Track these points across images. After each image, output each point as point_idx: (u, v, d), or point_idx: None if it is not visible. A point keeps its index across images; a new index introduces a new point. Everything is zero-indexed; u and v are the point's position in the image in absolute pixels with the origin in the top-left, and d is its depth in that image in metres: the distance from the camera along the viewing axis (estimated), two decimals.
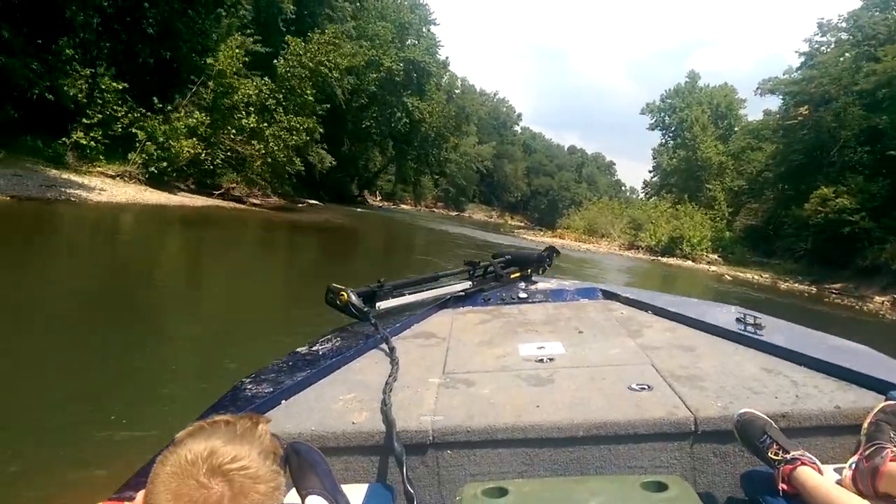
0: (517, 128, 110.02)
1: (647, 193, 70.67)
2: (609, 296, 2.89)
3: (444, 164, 79.92)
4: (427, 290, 2.88)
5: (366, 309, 2.44)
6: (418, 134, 44.29)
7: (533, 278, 3.32)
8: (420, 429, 1.53)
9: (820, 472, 1.32)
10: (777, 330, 2.13)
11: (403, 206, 74.34)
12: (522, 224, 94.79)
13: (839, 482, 1.33)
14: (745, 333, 2.05)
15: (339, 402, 1.69)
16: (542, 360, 1.96)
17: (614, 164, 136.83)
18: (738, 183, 44.64)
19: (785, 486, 1.31)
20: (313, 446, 1.32)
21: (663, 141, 55.32)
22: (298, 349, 2.18)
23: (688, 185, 46.25)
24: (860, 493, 1.26)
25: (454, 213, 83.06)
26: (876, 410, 1.43)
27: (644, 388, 1.65)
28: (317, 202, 37.54)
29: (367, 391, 1.75)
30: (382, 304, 2.57)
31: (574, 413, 1.53)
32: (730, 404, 1.53)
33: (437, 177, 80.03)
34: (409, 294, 2.76)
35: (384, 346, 2.13)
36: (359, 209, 39.21)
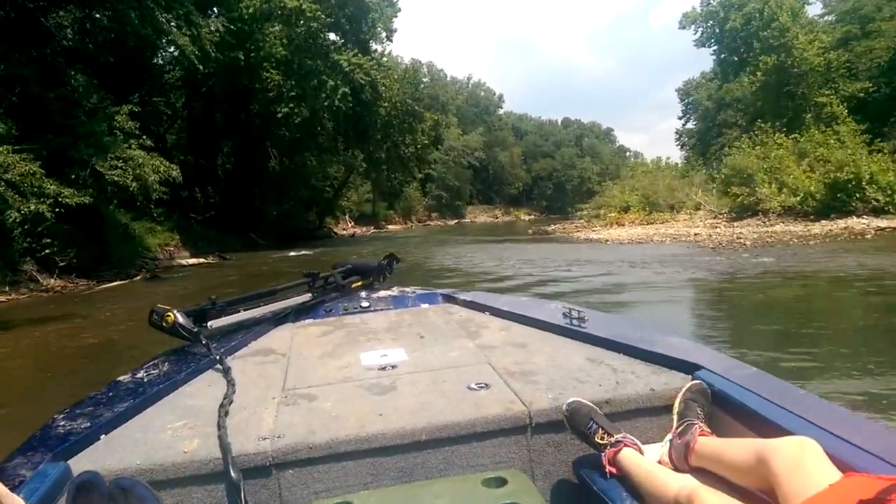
0: (501, 111, 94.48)
1: (684, 144, 55.15)
2: (448, 299, 2.87)
3: (428, 165, 64.85)
4: (264, 305, 2.61)
5: (196, 329, 2.17)
6: (375, 118, 29.08)
7: (375, 286, 3.17)
8: (259, 451, 1.42)
9: (641, 451, 1.41)
10: (599, 322, 2.16)
11: (391, 226, 59.33)
12: (533, 216, 79.60)
13: (659, 461, 1.42)
14: (571, 327, 2.11)
15: (168, 431, 1.53)
16: (384, 368, 1.91)
17: (612, 130, 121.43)
18: (861, 86, 28.98)
19: (612, 469, 1.38)
20: (140, 481, 1.28)
21: (716, 56, 39.45)
22: (120, 378, 1.96)
23: (778, 108, 30.49)
24: (676, 469, 1.37)
25: (453, 222, 67.67)
26: (684, 390, 1.52)
27: (482, 387, 1.65)
28: (227, 256, 22.19)
29: (200, 417, 1.59)
30: (215, 323, 2.30)
31: (417, 418, 1.50)
32: (559, 395, 1.56)
33: (422, 181, 64.95)
34: (245, 311, 2.50)
35: (218, 367, 1.96)
36: (304, 251, 23.90)
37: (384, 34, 30.42)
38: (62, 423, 1.56)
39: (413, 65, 32.11)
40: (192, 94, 28.27)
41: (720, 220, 26.83)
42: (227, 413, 1.58)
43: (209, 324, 2.29)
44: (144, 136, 15.39)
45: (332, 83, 24.70)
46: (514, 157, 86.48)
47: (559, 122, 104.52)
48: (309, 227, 37.48)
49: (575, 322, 2.16)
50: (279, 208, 35.67)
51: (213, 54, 19.05)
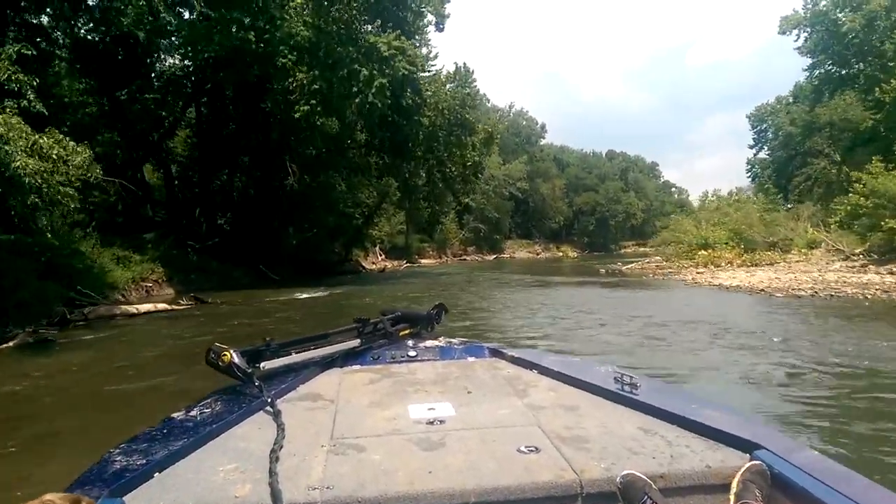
0: (543, 142, 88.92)
1: (756, 176, 48.35)
2: (495, 353, 2.79)
3: (469, 193, 59.33)
4: (315, 348, 2.61)
5: (250, 370, 2.17)
6: (417, 128, 23.37)
7: (422, 335, 3.12)
8: (308, 501, 1.41)
9: None
10: (652, 390, 2.06)
11: (424, 260, 53.80)
12: (577, 253, 73.24)
13: None
14: (623, 393, 2.00)
15: (220, 474, 1.53)
16: (432, 422, 1.86)
17: (657, 165, 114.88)
18: None
19: None
20: None
21: (819, 69, 33.24)
22: (174, 415, 1.98)
23: None
24: None
25: (491, 257, 61.72)
26: (743, 470, 1.48)
27: (532, 451, 1.61)
28: (210, 299, 16.41)
29: (251, 460, 1.60)
30: (268, 365, 2.32)
31: (466, 478, 1.48)
32: (612, 465, 1.53)
33: (459, 213, 59.42)
34: (297, 353, 2.50)
35: (268, 409, 1.96)
36: (320, 291, 18.37)
37: (434, 21, 24.49)
38: (118, 459, 1.58)
39: (464, 67, 27.41)
40: (196, 92, 23.03)
41: (855, 262, 20.33)
42: (277, 459, 1.57)
43: (262, 365, 2.28)
44: (32, 99, 9.65)
45: (365, 72, 19.06)
46: (556, 190, 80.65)
47: (603, 155, 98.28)
48: (333, 259, 31.88)
49: (627, 388, 2.02)
50: (300, 236, 30.29)
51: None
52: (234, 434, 1.81)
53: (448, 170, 28.43)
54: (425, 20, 24.36)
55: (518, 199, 69.23)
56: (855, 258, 21.01)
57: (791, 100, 45.77)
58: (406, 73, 20.07)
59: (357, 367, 2.66)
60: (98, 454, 1.69)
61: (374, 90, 19.01)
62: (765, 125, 47.06)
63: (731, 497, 1.42)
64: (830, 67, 32.88)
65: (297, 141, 24.43)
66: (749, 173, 49.05)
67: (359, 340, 2.81)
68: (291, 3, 18.80)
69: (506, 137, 75.60)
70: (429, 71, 25.46)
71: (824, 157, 38.33)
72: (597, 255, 69.78)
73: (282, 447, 1.65)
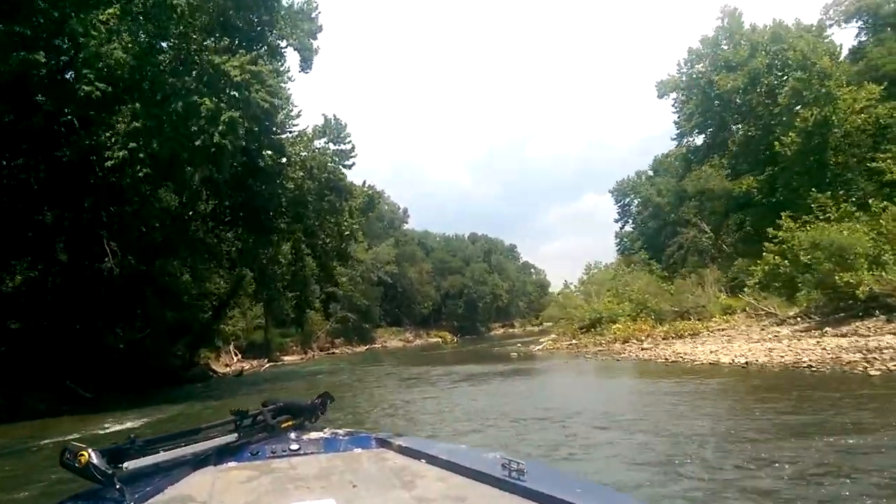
0: (406, 226, 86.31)
1: (623, 248, 48.30)
2: (382, 443, 2.67)
3: (342, 273, 53.91)
4: (186, 444, 2.37)
5: (110, 471, 1.91)
6: (283, 194, 18.25)
7: (306, 426, 2.95)
8: None
9: None
10: (539, 475, 2.00)
11: (287, 357, 47.16)
12: (453, 337, 69.64)
13: None
14: (510, 479, 1.95)
15: None
16: None
17: (516, 247, 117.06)
18: None
19: None
20: None
21: (687, 138, 33.21)
22: None
23: (814, 177, 23.57)
24: None
25: (362, 349, 55.95)
26: None
27: None
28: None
29: None
30: (131, 465, 2.07)
31: None
32: None
33: (324, 302, 53.76)
34: (165, 451, 2.24)
35: None
36: (146, 416, 12.18)
37: (298, 54, 19.76)
38: None
39: (334, 119, 22.49)
40: None
41: (794, 325, 18.18)
42: None
43: (125, 465, 2.05)
44: None
45: (209, 104, 13.85)
46: (423, 274, 77.50)
47: (466, 237, 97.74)
48: (175, 364, 24.96)
49: (514, 474, 1.97)
50: (130, 337, 23.38)
51: None
52: None
53: (321, 242, 23.42)
54: (283, 56, 19.72)
55: (386, 285, 64.77)
56: (792, 321, 18.78)
57: (651, 173, 46.75)
58: (264, 105, 15.06)
59: (233, 464, 2.46)
60: None
61: (221, 127, 13.85)
62: (628, 199, 47.55)
63: None
64: (698, 135, 33.06)
65: (119, 213, 18.34)
66: (618, 246, 49.04)
67: (235, 435, 2.58)
68: (100, 15, 13.31)
69: (370, 221, 72.28)
70: (290, 130, 20.86)
71: (692, 226, 38.21)
72: (471, 339, 66.55)
73: None
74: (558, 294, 43.48)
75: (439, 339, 62.83)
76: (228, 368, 29.99)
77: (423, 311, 79.20)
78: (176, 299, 25.92)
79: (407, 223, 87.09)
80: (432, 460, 2.34)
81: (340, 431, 2.86)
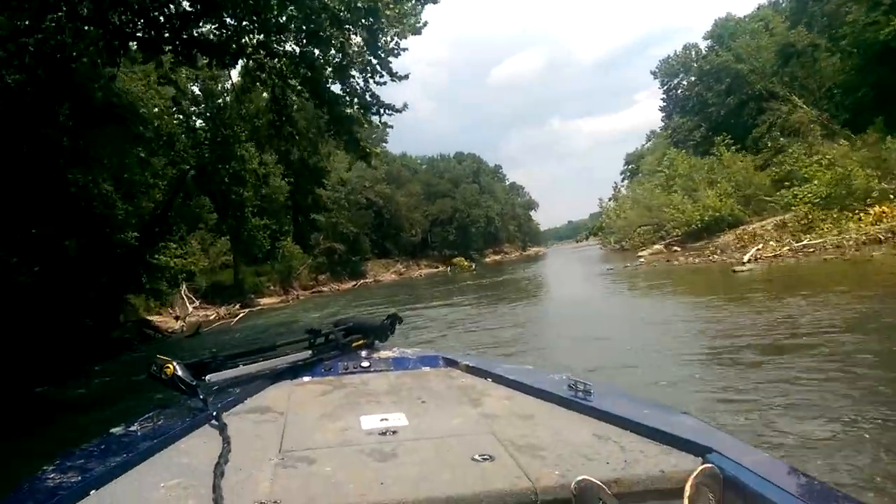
0: (386, 146, 75.56)
1: (678, 141, 38.61)
2: (450, 363, 2.68)
3: (316, 206, 43.94)
4: (263, 360, 2.47)
5: (194, 383, 2.04)
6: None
7: (376, 346, 2.94)
8: None
9: None
10: (605, 396, 2.02)
11: (264, 300, 38.08)
12: (467, 264, 60.72)
13: None
14: (577, 400, 1.95)
15: (161, 490, 1.44)
16: (385, 433, 1.79)
17: (501, 167, 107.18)
18: None
19: None
20: None
21: None
22: (113, 430, 1.87)
23: None
24: None
25: (351, 284, 46.82)
26: (695, 474, 1.46)
27: (486, 459, 1.56)
28: None
29: (194, 476, 1.50)
30: (214, 377, 2.21)
31: (419, 489, 1.41)
32: (567, 472, 1.49)
33: (306, 229, 44.08)
34: (244, 365, 2.37)
35: (214, 423, 1.85)
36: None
37: None
38: (51, 476, 1.52)
39: None
40: None
41: None
42: (222, 473, 1.49)
43: (208, 377, 2.20)
44: None
45: None
46: (412, 197, 67.63)
47: (452, 157, 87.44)
48: (87, 328, 15.22)
49: (581, 394, 1.98)
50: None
51: None
52: (176, 449, 1.71)
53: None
54: None
55: (376, 211, 54.93)
56: None
57: (704, 49, 36.96)
58: None
59: (307, 379, 2.54)
60: None
61: None
62: (678, 79, 37.80)
63: (685, 500, 1.41)
64: None
65: None
66: (671, 138, 39.47)
67: (309, 352, 2.67)
68: None
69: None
70: None
71: (785, 100, 28.76)
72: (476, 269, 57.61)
73: (227, 461, 1.56)
74: (609, 201, 34.47)
75: (445, 269, 52.94)
76: (180, 323, 20.18)
77: (412, 240, 69.91)
78: (92, 219, 15.97)
79: (386, 142, 76.46)
80: (499, 380, 2.36)
81: (409, 351, 2.91)
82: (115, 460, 1.56)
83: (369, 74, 11.94)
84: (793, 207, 19.00)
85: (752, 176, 22.84)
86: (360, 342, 2.95)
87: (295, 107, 16.44)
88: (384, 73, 11.88)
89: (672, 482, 1.46)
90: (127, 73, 15.60)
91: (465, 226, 78.40)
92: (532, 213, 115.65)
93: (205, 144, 34.18)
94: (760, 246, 17.04)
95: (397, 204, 62.48)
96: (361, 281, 48.70)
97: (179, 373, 2.02)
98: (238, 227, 37.65)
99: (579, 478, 1.41)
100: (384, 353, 2.81)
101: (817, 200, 18.39)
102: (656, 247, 24.43)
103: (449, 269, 48.92)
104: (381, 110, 12.67)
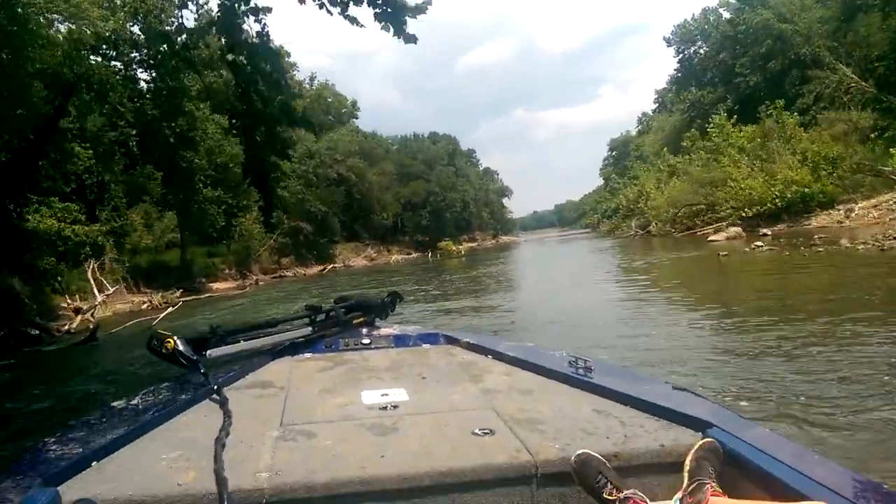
0: (356, 122, 69.68)
1: (699, 114, 33.91)
2: (450, 340, 2.74)
3: (278, 181, 37.83)
4: (265, 336, 2.55)
5: (195, 357, 2.08)
6: None
7: (376, 323, 3.01)
8: (255, 487, 1.32)
9: None
10: (606, 372, 2.04)
11: (218, 285, 32.69)
12: (455, 248, 55.58)
13: None
14: (577, 376, 1.98)
15: (163, 462, 1.44)
16: (385, 408, 1.81)
17: (474, 151, 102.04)
18: None
19: None
20: None
21: None
22: (114, 403, 1.91)
23: None
24: None
25: (319, 269, 41.38)
26: (696, 448, 1.45)
27: (487, 433, 1.57)
28: None
29: (195, 448, 1.50)
30: (214, 352, 2.26)
31: (419, 462, 1.42)
32: (567, 446, 1.49)
33: (263, 208, 38.11)
34: (245, 341, 2.45)
35: (215, 397, 1.87)
36: None
37: None
38: (53, 447, 1.50)
39: None
40: None
41: None
42: (223, 446, 1.49)
43: (208, 352, 2.20)
44: None
45: None
46: (385, 176, 62.05)
47: (425, 137, 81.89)
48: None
49: (581, 371, 2.00)
50: None
51: None
52: (178, 422, 1.71)
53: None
54: None
55: (348, 189, 49.15)
56: None
57: (725, 14, 32.39)
58: None
59: (308, 355, 2.57)
60: None
61: None
62: (694, 47, 33.19)
63: (685, 475, 1.41)
64: None
65: None
66: (687, 112, 34.87)
67: (310, 329, 2.69)
68: None
69: (312, 114, 55.14)
70: None
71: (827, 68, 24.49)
72: (444, 255, 52.27)
73: (228, 434, 1.55)
74: (641, 185, 29.99)
75: (422, 254, 47.39)
76: (79, 317, 14.35)
77: (384, 223, 64.41)
78: None
79: (357, 118, 70.53)
80: (499, 356, 2.34)
81: (410, 328, 2.93)
82: (116, 433, 1.54)
83: None
84: None
85: (837, 147, 18.35)
86: (361, 319, 2.92)
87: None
88: None
89: (672, 456, 1.45)
90: None
91: (440, 210, 73.26)
92: (505, 200, 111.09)
93: (147, 99, 28.30)
94: None
95: (369, 183, 56.80)
96: (330, 266, 43.17)
97: (180, 347, 2.01)
98: (186, 199, 31.78)
99: (579, 451, 1.40)
100: (385, 331, 2.80)
101: None
102: (732, 230, 19.79)
103: (430, 254, 43.56)
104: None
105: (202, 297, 25.79)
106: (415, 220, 73.09)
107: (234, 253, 36.32)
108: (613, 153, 72.30)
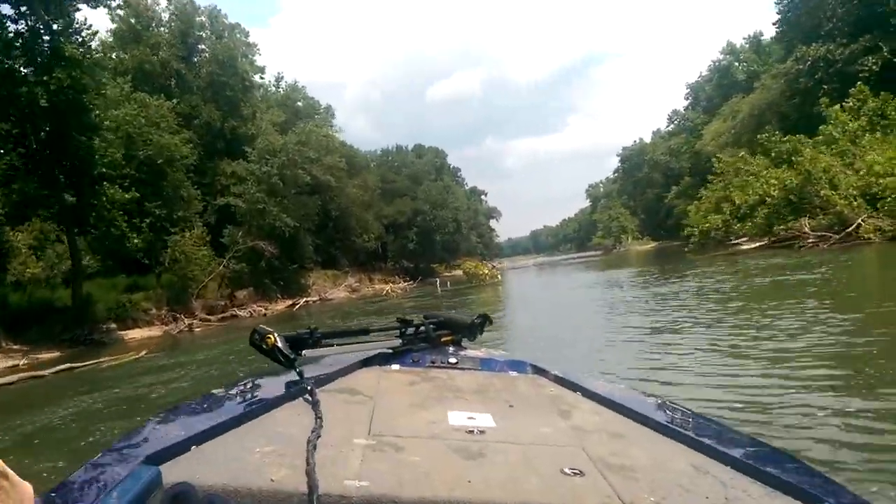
0: (334, 131, 59.03)
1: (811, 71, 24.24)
2: (538, 371, 2.44)
3: (221, 180, 27.87)
4: (356, 342, 2.41)
5: (292, 356, 1.93)
6: None
7: (463, 344, 2.73)
8: (344, 493, 1.30)
9: None
10: (705, 427, 1.84)
11: (133, 334, 20.96)
12: (406, 284, 44.98)
13: None
14: (673, 426, 1.75)
15: (257, 454, 1.42)
16: (472, 431, 1.68)
17: (460, 170, 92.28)
18: None
19: None
20: (230, 502, 1.24)
21: None
22: (214, 391, 1.91)
23: None
24: None
25: (287, 304, 30.51)
26: None
27: (577, 474, 1.46)
28: None
29: (288, 445, 1.48)
30: (309, 353, 2.11)
31: (507, 493, 1.34)
32: (662, 500, 1.37)
33: (211, 217, 27.60)
34: (338, 345, 2.29)
35: (308, 397, 1.78)
36: None
37: None
38: (157, 428, 1.53)
39: None
40: None
41: None
42: (314, 447, 1.46)
43: (304, 352, 2.10)
44: None
45: None
46: (367, 192, 51.50)
47: (409, 150, 71.71)
48: None
49: (678, 420, 1.81)
50: None
51: None
52: (272, 417, 1.70)
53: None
54: None
55: (321, 200, 38.21)
56: None
57: None
58: None
59: (396, 367, 2.41)
60: None
61: None
62: None
63: None
64: None
65: None
66: (794, 76, 25.12)
67: (400, 341, 2.54)
68: None
69: (286, 120, 44.43)
70: None
71: None
72: (430, 283, 41.36)
73: (319, 436, 1.53)
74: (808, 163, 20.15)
75: (445, 280, 35.46)
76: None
77: (366, 247, 53.68)
78: None
79: (333, 126, 60.01)
80: (589, 394, 2.15)
81: (497, 353, 2.75)
82: (214, 420, 1.56)
83: None
84: None
85: None
86: (449, 338, 2.73)
87: None
88: None
89: None
90: None
91: (429, 231, 63.07)
92: (492, 222, 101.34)
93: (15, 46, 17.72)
94: None
95: (348, 197, 46.12)
96: (302, 300, 32.21)
97: (280, 344, 1.91)
98: (82, 203, 20.81)
99: None
100: (472, 352, 2.62)
101: None
102: None
103: (438, 282, 32.56)
104: None
105: (85, 364, 14.70)
106: (399, 243, 62.67)
107: (165, 285, 25.23)
108: (625, 165, 63.42)
